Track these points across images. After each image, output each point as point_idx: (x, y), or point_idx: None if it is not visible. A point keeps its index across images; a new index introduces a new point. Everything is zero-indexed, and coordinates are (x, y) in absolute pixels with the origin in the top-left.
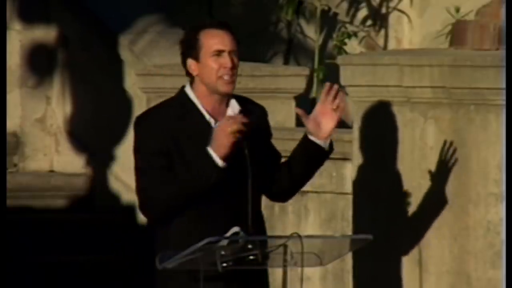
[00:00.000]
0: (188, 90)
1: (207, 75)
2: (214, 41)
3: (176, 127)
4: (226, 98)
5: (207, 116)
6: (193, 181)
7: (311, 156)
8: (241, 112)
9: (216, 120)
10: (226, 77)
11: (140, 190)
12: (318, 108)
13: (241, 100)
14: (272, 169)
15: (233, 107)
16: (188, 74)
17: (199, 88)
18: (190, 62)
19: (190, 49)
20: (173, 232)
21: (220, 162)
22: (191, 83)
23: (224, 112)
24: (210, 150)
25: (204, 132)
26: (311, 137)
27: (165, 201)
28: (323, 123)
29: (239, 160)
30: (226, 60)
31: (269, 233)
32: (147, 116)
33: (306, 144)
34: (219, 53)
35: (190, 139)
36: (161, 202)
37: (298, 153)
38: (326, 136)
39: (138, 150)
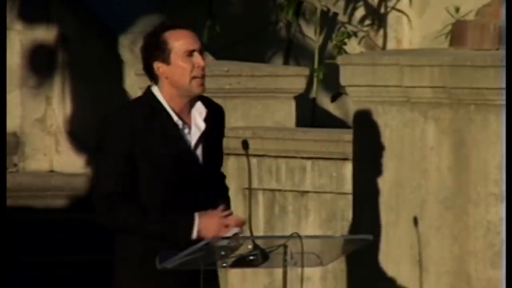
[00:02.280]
0: (155, 91)
1: (179, 77)
2: (183, 41)
3: (143, 128)
4: (193, 99)
5: (175, 118)
6: (161, 228)
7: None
8: (208, 114)
9: (183, 122)
10: (199, 77)
11: (101, 195)
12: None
13: (203, 100)
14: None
15: (199, 109)
16: (153, 77)
17: (168, 91)
18: (158, 65)
19: (157, 52)
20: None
21: (195, 236)
22: (156, 84)
23: (189, 113)
24: (196, 224)
25: (172, 133)
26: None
27: (125, 222)
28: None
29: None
30: (198, 59)
31: (269, 233)
32: (115, 116)
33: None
34: (190, 53)
35: (157, 141)
36: (122, 221)
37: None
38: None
39: (103, 150)
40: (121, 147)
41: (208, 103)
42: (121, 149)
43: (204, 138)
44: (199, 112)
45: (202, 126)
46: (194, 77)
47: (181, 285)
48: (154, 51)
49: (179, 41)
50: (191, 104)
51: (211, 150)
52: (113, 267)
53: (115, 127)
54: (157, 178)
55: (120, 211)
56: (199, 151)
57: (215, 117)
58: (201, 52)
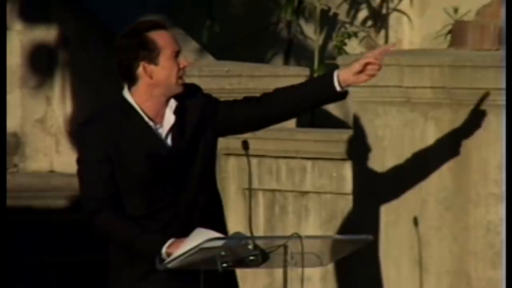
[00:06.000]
0: (126, 94)
1: (167, 78)
2: (170, 42)
3: (116, 132)
4: (169, 99)
5: (146, 119)
6: (133, 243)
7: (328, 99)
8: (177, 106)
9: (155, 123)
10: (182, 78)
11: (87, 200)
12: (365, 60)
13: (175, 96)
14: (248, 108)
15: (171, 104)
16: (131, 79)
17: (145, 92)
18: (144, 65)
19: (144, 53)
20: None
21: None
22: (130, 87)
23: (163, 113)
24: (164, 250)
25: (144, 135)
26: (340, 82)
27: (111, 232)
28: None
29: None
30: (183, 60)
31: (269, 233)
32: (87, 124)
33: (328, 87)
34: (176, 54)
35: (130, 144)
36: (105, 229)
37: (313, 91)
38: (349, 83)
39: (82, 159)
40: (97, 154)
41: (179, 98)
42: (97, 156)
43: (176, 130)
44: (170, 107)
45: (172, 119)
46: (179, 78)
47: (178, 286)
48: (140, 51)
49: (167, 42)
50: (166, 104)
51: (186, 140)
52: (108, 269)
53: (89, 135)
54: (133, 180)
55: (107, 225)
56: (172, 144)
57: (191, 103)
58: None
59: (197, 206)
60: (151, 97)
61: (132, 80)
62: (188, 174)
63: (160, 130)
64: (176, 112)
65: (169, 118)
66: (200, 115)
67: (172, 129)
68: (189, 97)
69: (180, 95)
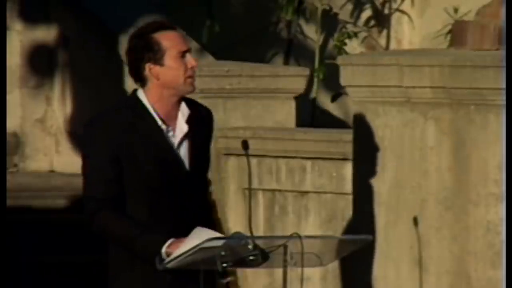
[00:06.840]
0: (140, 94)
1: (173, 78)
2: (176, 42)
3: (127, 133)
4: (179, 101)
5: (159, 122)
6: (133, 242)
7: None
8: (190, 115)
9: (168, 125)
10: (192, 77)
11: (89, 200)
12: None
13: (188, 102)
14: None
15: (183, 111)
16: (141, 80)
17: (156, 93)
18: (150, 67)
19: (148, 54)
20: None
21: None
22: (142, 87)
23: (176, 116)
24: (164, 250)
25: (156, 137)
26: None
27: (111, 236)
28: None
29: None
30: (191, 59)
31: (269, 233)
32: (96, 123)
33: None
34: (183, 54)
35: (140, 145)
36: (108, 234)
37: None
38: None
39: (88, 157)
40: (105, 153)
41: (194, 105)
42: (103, 156)
43: (187, 140)
44: (182, 114)
45: (185, 128)
46: (187, 77)
47: (177, 286)
48: (145, 52)
49: (172, 42)
50: (178, 106)
51: (196, 152)
52: (107, 269)
53: (97, 134)
54: (141, 182)
55: (107, 224)
56: (182, 153)
57: (201, 119)
58: (190, 52)
59: (198, 212)
60: (162, 98)
61: (142, 81)
62: (193, 184)
63: (170, 134)
64: (188, 122)
65: (182, 126)
66: (206, 134)
67: (184, 139)
68: (201, 114)
69: (194, 110)
